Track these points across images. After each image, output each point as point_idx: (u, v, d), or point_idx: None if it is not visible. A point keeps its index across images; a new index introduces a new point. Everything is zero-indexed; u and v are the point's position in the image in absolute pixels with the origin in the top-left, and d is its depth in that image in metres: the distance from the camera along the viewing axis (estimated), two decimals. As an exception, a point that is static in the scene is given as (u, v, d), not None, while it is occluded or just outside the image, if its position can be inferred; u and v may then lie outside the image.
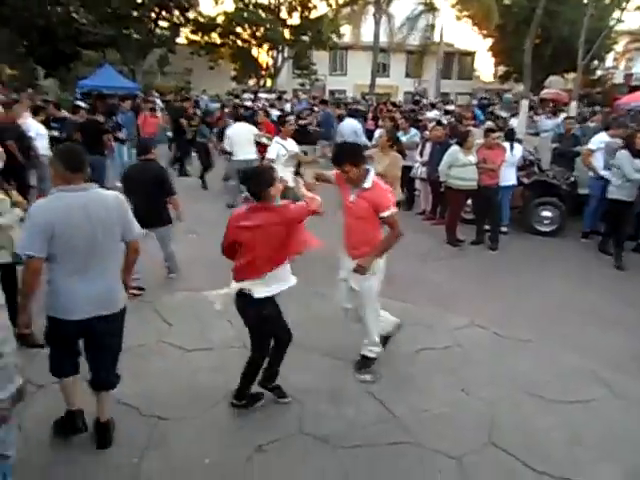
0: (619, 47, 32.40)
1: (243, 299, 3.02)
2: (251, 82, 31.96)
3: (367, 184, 3.39)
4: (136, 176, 5.01)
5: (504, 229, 7.28)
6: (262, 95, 21.54)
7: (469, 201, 7.11)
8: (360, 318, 3.72)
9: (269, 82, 31.38)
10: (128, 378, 3.54)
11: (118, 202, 2.72)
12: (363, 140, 8.95)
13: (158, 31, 26.96)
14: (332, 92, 31.14)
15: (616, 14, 25.86)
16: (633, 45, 31.68)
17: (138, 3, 24.23)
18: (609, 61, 33.75)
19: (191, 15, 28.23)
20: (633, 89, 24.61)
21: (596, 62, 29.93)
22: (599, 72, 31.62)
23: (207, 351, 4.00)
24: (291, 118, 6.26)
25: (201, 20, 28.72)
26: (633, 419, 3.36)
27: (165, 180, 5.06)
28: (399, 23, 28.04)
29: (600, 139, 6.97)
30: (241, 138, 7.71)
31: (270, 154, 5.80)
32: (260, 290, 2.99)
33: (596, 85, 30.30)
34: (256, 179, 2.97)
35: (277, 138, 6.02)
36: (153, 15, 25.91)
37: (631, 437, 3.17)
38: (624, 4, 24.54)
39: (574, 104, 14.59)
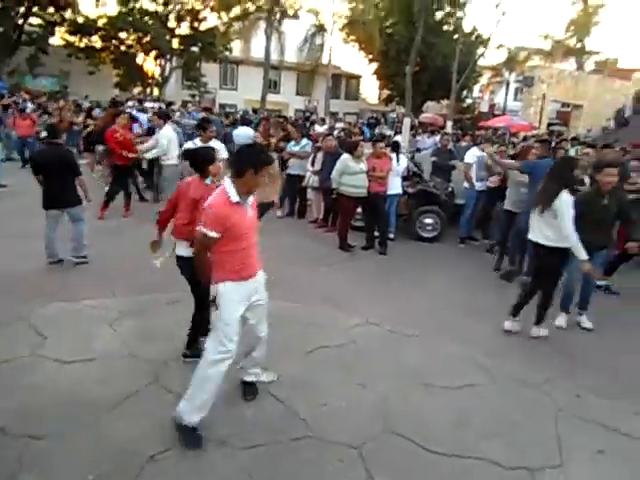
0: (484, 80, 36.45)
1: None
2: (136, 90, 30.35)
3: None
4: (45, 160, 5.39)
5: (391, 235, 7.69)
6: (148, 104, 20.56)
7: (359, 209, 7.42)
8: (259, 338, 3.25)
9: (156, 91, 30.09)
10: (-8, 396, 3.12)
11: None
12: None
13: (28, 27, 24.61)
14: (222, 105, 30.76)
15: (480, 50, 29.17)
16: (495, 79, 35.95)
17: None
18: (476, 92, 37.73)
19: (68, 14, 26.24)
20: (495, 117, 27.82)
21: (465, 92, 33.26)
22: (469, 101, 35.13)
23: (88, 362, 3.65)
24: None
25: (79, 21, 26.79)
26: (508, 398, 3.68)
27: (72, 162, 5.47)
28: (290, 41, 28.67)
29: (473, 153, 7.71)
30: (174, 140, 8.10)
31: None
32: None
33: (466, 112, 33.62)
34: (201, 156, 3.62)
35: (196, 140, 6.43)
36: (22, 9, 23.64)
37: (508, 414, 3.47)
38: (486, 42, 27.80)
39: (450, 124, 16.05)
